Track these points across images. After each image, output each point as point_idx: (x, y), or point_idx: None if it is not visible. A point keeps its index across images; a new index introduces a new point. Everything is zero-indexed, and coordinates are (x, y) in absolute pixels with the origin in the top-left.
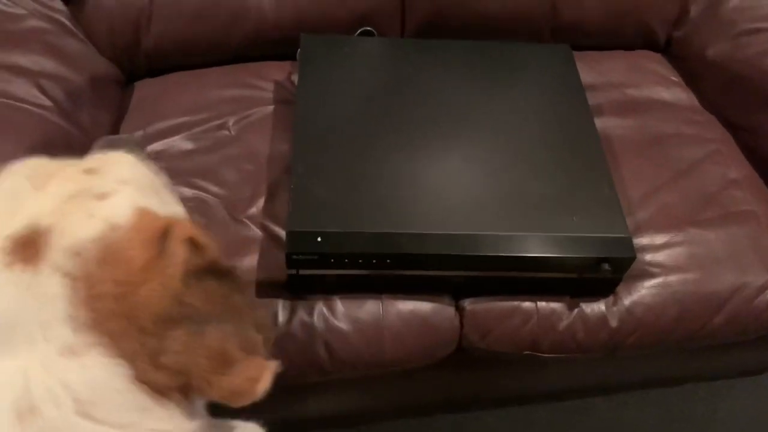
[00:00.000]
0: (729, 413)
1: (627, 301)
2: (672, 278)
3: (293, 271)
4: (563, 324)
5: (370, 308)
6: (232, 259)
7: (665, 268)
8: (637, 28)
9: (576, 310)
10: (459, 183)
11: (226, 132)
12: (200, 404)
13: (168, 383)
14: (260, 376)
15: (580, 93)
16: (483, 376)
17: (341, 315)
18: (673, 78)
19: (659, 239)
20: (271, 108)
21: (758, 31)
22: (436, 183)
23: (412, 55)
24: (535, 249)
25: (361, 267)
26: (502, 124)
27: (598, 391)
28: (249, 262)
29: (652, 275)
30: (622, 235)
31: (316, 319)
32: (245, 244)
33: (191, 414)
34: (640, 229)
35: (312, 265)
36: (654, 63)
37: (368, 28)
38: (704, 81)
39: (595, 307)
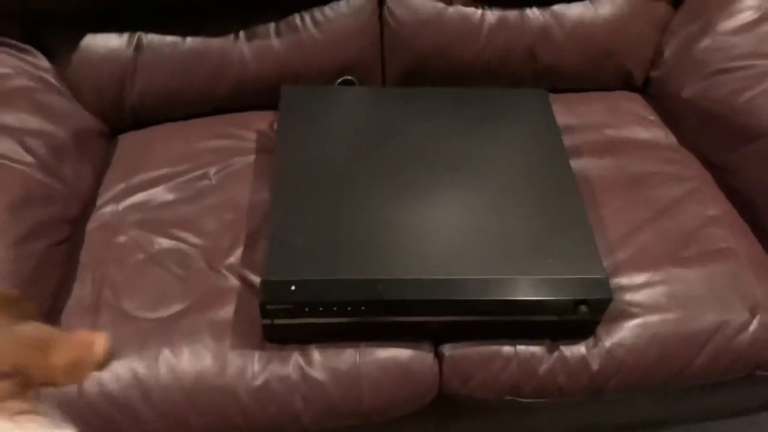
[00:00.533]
0: None
1: (607, 342)
2: (652, 318)
3: (268, 321)
4: (543, 368)
5: (347, 357)
6: (209, 309)
7: (645, 308)
8: (615, 70)
9: (556, 353)
10: (436, 228)
11: (208, 182)
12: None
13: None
14: (92, 341)
15: (556, 136)
16: (467, 423)
17: (318, 365)
18: (651, 117)
19: (639, 279)
20: (252, 157)
21: (729, 70)
22: (413, 228)
23: (391, 103)
24: (513, 292)
25: (337, 315)
26: (479, 169)
27: None
28: (226, 312)
29: (632, 316)
30: (599, 276)
31: (292, 370)
32: (222, 295)
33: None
34: (620, 270)
35: (287, 315)
36: (632, 103)
37: (349, 78)
38: (682, 120)
39: (575, 350)
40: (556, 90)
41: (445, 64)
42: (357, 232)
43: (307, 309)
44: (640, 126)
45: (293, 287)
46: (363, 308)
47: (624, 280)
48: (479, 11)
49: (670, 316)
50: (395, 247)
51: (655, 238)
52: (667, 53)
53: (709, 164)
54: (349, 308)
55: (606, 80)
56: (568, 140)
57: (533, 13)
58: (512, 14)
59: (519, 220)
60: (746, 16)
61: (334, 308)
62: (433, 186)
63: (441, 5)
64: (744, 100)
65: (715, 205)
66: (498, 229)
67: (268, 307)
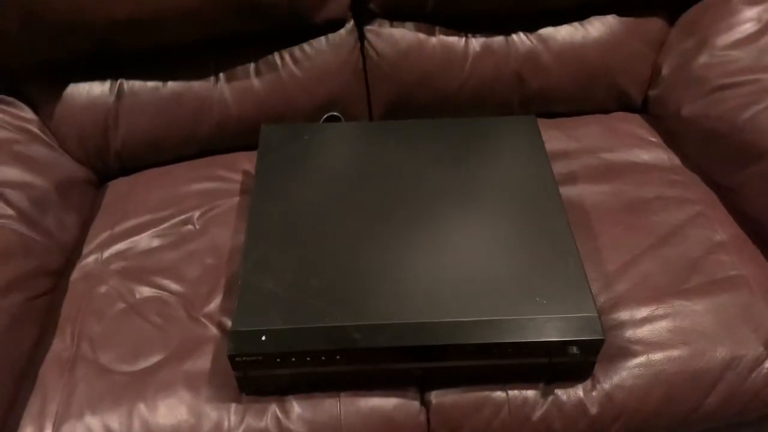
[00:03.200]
0: None
1: (607, 384)
2: (656, 356)
3: (240, 374)
4: (538, 414)
5: (327, 407)
6: (186, 360)
7: (648, 345)
8: (610, 91)
9: (551, 398)
10: (417, 268)
11: (191, 226)
12: None
13: None
14: None
15: (544, 164)
16: None
17: (296, 417)
18: (652, 138)
19: (640, 313)
20: (236, 199)
21: (729, 86)
22: (392, 269)
23: (374, 138)
24: (497, 335)
25: (312, 365)
26: (463, 203)
27: None
28: (203, 363)
29: (634, 354)
30: (589, 315)
31: (270, 423)
32: (200, 344)
33: None
34: (619, 303)
35: (259, 366)
36: (631, 124)
37: (335, 114)
38: (683, 140)
39: (572, 393)
40: (551, 114)
41: (430, 94)
42: (332, 276)
43: (279, 360)
44: (640, 148)
45: (263, 337)
46: (338, 357)
47: (624, 314)
48: (462, 39)
49: (675, 353)
50: (372, 290)
51: (657, 267)
52: (665, 71)
53: (715, 185)
54: (323, 358)
55: (602, 102)
56: (563, 166)
57: (519, 37)
58: (497, 40)
59: (505, 256)
60: (746, 28)
61: (308, 358)
62: (414, 223)
63: (422, 35)
64: (747, 116)
65: (722, 230)
66: (482, 267)
67: (238, 359)
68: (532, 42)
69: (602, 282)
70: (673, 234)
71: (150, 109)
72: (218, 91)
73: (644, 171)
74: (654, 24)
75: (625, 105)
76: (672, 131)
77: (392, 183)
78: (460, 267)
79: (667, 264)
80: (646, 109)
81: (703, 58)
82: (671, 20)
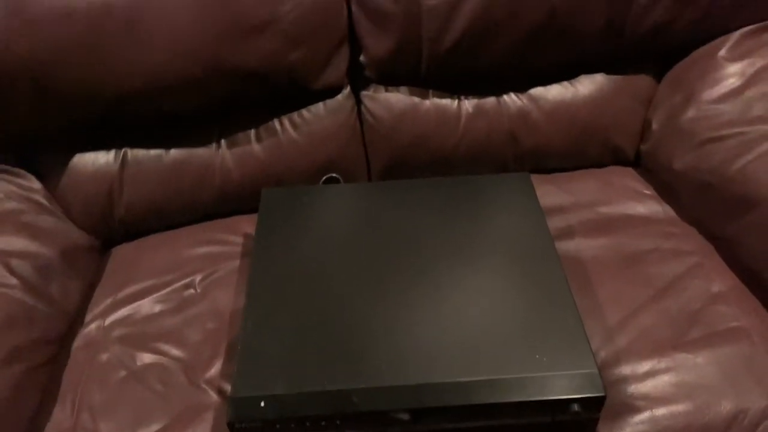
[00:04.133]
0: None
1: None
2: (660, 412)
3: None
4: None
5: None
6: (186, 428)
7: (651, 401)
8: (603, 146)
9: None
10: (416, 328)
11: (193, 291)
12: None
13: None
14: None
15: (540, 220)
16: None
17: None
18: (647, 192)
19: (642, 368)
20: (238, 262)
21: (717, 139)
22: (391, 330)
23: (372, 198)
24: (499, 395)
25: (311, 429)
26: (460, 262)
27: None
28: (202, 430)
29: (638, 410)
30: (589, 371)
31: None
32: (200, 411)
33: None
34: (620, 358)
35: None
36: (626, 178)
37: (334, 175)
38: (677, 192)
39: None
40: (546, 170)
41: (426, 154)
42: (331, 337)
43: (278, 426)
44: (635, 201)
45: (262, 403)
46: (338, 422)
47: (626, 369)
48: (455, 101)
49: (679, 407)
50: (372, 350)
51: (657, 320)
52: (655, 125)
53: (711, 236)
54: (323, 422)
55: (596, 157)
56: (559, 221)
57: (510, 98)
58: (489, 101)
59: (503, 313)
60: (730, 83)
61: (307, 423)
62: (412, 283)
63: (417, 99)
64: (737, 168)
65: (721, 280)
66: (481, 325)
67: (237, 426)
68: (523, 102)
69: (603, 336)
70: (672, 286)
71: (153, 176)
72: (220, 157)
73: (640, 224)
74: (642, 81)
75: (619, 159)
76: (665, 184)
77: (391, 242)
78: (459, 326)
79: (667, 317)
80: (638, 162)
81: (690, 113)
82: (658, 76)
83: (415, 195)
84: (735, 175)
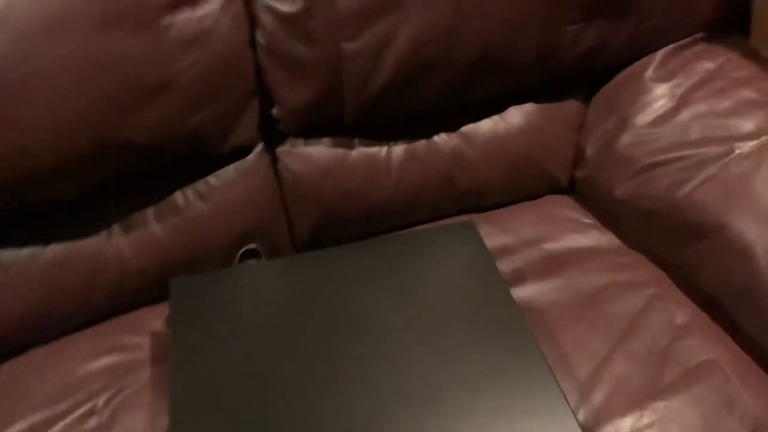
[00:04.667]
0: None
1: None
2: None
3: None
4: None
5: None
6: None
7: None
8: (538, 177)
9: None
10: (372, 418)
11: (97, 418)
12: None
13: None
14: None
15: (494, 275)
16: None
17: None
18: (587, 220)
19: (625, 425)
20: (148, 372)
21: (658, 164)
22: (344, 423)
23: (300, 273)
24: None
25: None
26: (415, 333)
27: None
28: None
29: None
30: None
31: None
32: None
33: None
34: (600, 419)
35: None
36: (564, 208)
37: (252, 247)
38: (621, 220)
39: None
40: (483, 209)
41: (357, 210)
42: None
43: None
44: (578, 233)
45: None
46: None
47: (608, 429)
48: (384, 148)
49: None
50: None
51: (628, 367)
52: (589, 151)
53: (662, 263)
54: None
55: (531, 189)
56: (506, 264)
57: (442, 138)
58: (420, 145)
59: (473, 390)
60: (661, 105)
61: None
62: (363, 369)
63: (341, 150)
64: (683, 194)
65: (681, 311)
66: (451, 407)
67: None
68: (455, 141)
69: (577, 394)
70: (635, 324)
71: (29, 281)
72: (113, 246)
73: (588, 257)
74: (571, 106)
75: (553, 188)
76: (606, 212)
77: (330, 323)
78: (425, 410)
79: (637, 361)
80: (572, 189)
81: (625, 138)
82: (586, 100)
83: (349, 262)
84: (682, 202)
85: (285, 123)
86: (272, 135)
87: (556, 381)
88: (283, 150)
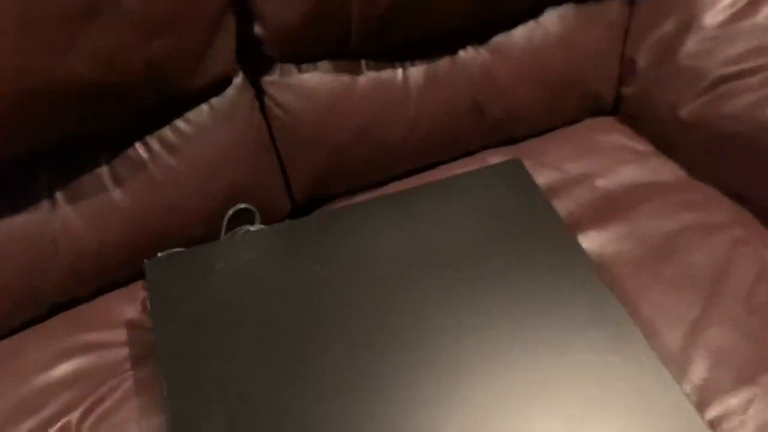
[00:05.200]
0: None
1: None
2: None
3: None
4: None
5: None
6: None
7: None
8: (580, 97)
9: None
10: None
11: None
12: None
13: None
14: None
15: (555, 222)
16: None
17: None
18: (641, 147)
19: (736, 405)
20: (130, 377)
21: (736, 76)
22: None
23: (303, 242)
24: None
25: None
26: (472, 318)
27: None
28: None
29: None
30: None
31: None
32: None
33: None
34: (706, 396)
35: None
36: (610, 133)
37: (244, 206)
38: (686, 146)
39: None
40: (511, 140)
41: (368, 152)
42: None
43: None
44: (633, 163)
45: None
46: None
47: (714, 410)
48: (399, 71)
49: None
50: None
51: (727, 331)
52: (642, 63)
53: (741, 197)
54: None
55: (572, 111)
56: (556, 208)
57: (468, 54)
58: (443, 64)
59: (552, 348)
60: (731, 1)
61: None
62: (399, 367)
63: (346, 77)
64: None
65: None
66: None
67: None
68: (484, 57)
69: (673, 371)
70: (723, 277)
71: None
72: (59, 219)
73: (651, 194)
74: (615, 6)
75: (596, 110)
76: (665, 137)
77: (349, 303)
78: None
79: (735, 323)
80: (617, 109)
81: (691, 44)
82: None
83: (371, 226)
84: None
85: (271, 45)
86: (256, 62)
87: (667, 371)
88: (270, 80)
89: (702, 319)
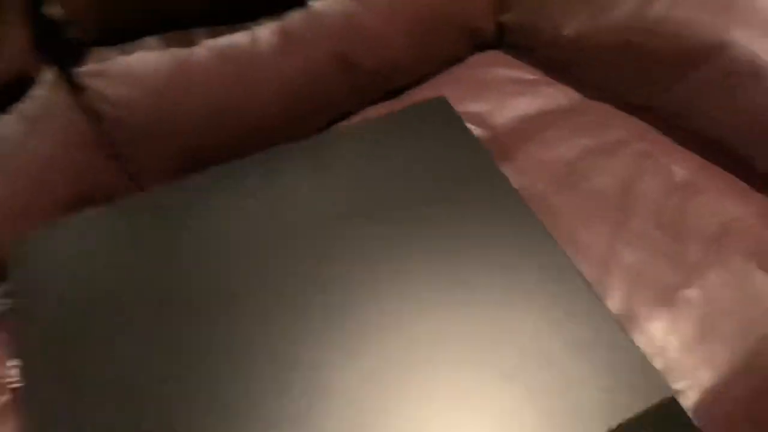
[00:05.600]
0: None
1: None
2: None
3: None
4: None
5: None
6: None
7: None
8: (459, 32)
9: None
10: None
11: None
12: None
13: None
14: None
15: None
16: None
17: None
18: (530, 76)
19: (657, 329)
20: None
21: None
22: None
23: (178, 208)
24: None
25: None
26: (395, 255)
27: None
28: None
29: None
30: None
31: None
32: None
33: None
34: (625, 324)
35: None
36: (497, 67)
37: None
38: (575, 67)
39: None
40: (392, 92)
41: (227, 130)
42: None
43: None
44: (526, 94)
45: None
46: None
47: (638, 338)
48: (247, 34)
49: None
50: None
51: (639, 253)
52: None
53: (639, 110)
54: None
55: (449, 51)
56: None
57: (324, 2)
58: (296, 17)
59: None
60: None
61: None
62: (311, 321)
63: (179, 50)
64: (658, 15)
65: (678, 165)
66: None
67: None
68: (344, 3)
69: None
70: (630, 195)
71: None
72: None
73: (547, 123)
74: None
75: (477, 44)
76: (553, 60)
77: (259, 271)
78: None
79: (649, 241)
80: (502, 41)
81: None
82: None
83: (277, 180)
84: (659, 25)
85: (75, 27)
86: (62, 52)
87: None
88: (85, 71)
89: (615, 240)
